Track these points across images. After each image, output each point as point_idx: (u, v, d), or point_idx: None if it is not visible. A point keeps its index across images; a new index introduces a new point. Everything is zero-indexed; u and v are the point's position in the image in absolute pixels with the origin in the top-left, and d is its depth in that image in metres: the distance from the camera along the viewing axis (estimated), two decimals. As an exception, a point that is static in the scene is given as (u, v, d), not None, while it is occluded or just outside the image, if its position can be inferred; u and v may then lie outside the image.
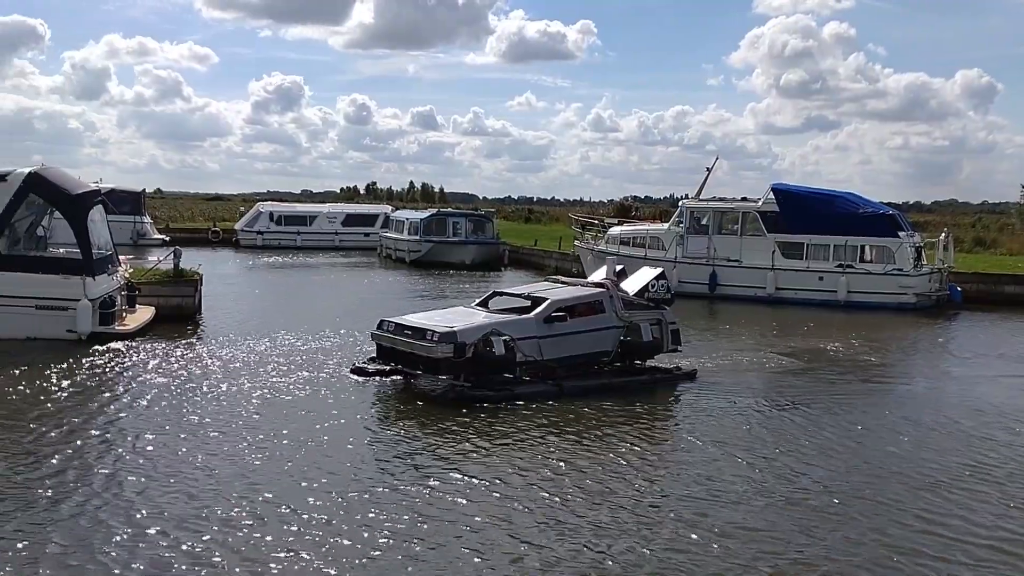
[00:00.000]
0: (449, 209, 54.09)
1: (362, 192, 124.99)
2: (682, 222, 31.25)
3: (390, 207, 57.63)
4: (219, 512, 8.66)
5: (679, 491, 9.88)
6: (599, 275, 16.35)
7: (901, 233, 28.78)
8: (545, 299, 14.82)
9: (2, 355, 15.61)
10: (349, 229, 51.62)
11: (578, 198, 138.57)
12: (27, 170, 18.02)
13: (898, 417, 13.83)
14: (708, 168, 33.42)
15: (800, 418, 13.50)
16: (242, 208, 59.01)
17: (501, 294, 16.41)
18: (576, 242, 35.74)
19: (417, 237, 42.05)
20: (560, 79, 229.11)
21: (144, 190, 50.16)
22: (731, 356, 18.55)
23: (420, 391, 14.12)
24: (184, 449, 10.78)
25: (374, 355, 14.97)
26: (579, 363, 14.90)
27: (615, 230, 33.88)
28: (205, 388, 13.96)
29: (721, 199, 32.56)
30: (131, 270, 21.42)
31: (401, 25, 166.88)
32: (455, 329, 13.62)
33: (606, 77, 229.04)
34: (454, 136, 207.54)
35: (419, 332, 13.76)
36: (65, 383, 14.06)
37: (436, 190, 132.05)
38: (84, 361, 15.65)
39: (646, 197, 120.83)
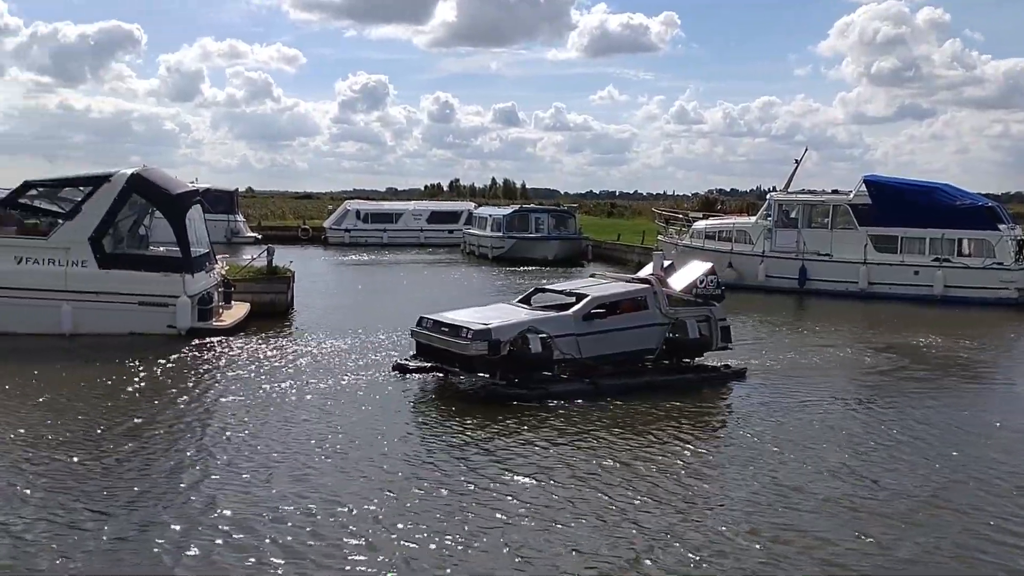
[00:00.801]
0: (531, 205, 54.18)
1: (445, 189, 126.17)
2: (770, 215, 30.68)
3: (473, 204, 58.07)
4: (269, 507, 8.85)
5: (731, 494, 9.55)
6: (646, 271, 16.00)
7: (1001, 226, 27.68)
8: (586, 295, 14.53)
9: (107, 349, 16.35)
10: (433, 226, 52.18)
11: (661, 191, 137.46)
12: (130, 171, 18.71)
13: (987, 419, 13.19)
14: (797, 160, 32.86)
15: (874, 418, 12.98)
16: (330, 207, 60.26)
17: (544, 290, 16.12)
18: (660, 236, 35.42)
19: (500, 233, 42.31)
20: (643, 72, 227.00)
21: (237, 189, 51.73)
22: (813, 352, 18.17)
23: (457, 389, 14.04)
24: (252, 443, 11.08)
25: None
26: (621, 361, 14.51)
27: (700, 224, 33.48)
28: (285, 384, 14.29)
29: (811, 191, 31.85)
30: (227, 267, 22.14)
31: (483, 23, 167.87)
32: (490, 327, 13.40)
33: (690, 69, 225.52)
34: (536, 132, 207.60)
35: (455, 329, 13.60)
36: (163, 377, 14.65)
37: (518, 186, 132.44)
38: (182, 356, 16.23)
39: (732, 190, 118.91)
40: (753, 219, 32.24)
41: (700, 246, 31.74)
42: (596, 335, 14.08)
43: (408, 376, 14.47)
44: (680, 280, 15.43)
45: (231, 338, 18.13)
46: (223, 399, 13.42)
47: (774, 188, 34.15)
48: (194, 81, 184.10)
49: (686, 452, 11.08)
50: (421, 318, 14.55)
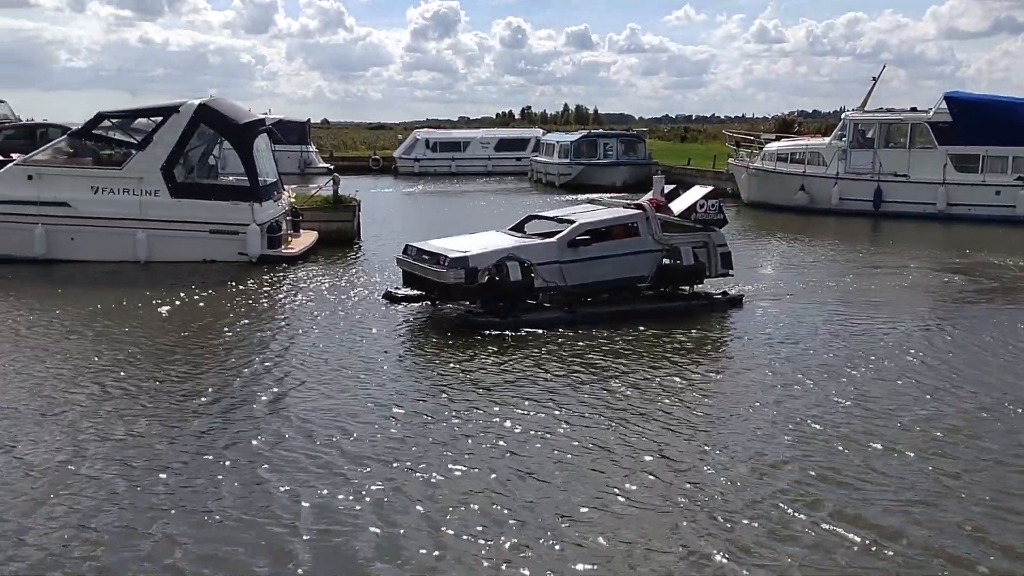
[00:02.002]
0: (600, 130, 53.47)
1: (517, 117, 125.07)
2: (845, 136, 29.75)
3: (541, 131, 57.54)
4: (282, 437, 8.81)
5: (719, 424, 9.12)
6: (647, 196, 15.53)
7: (1092, 143, 26.36)
8: (573, 222, 14.21)
9: (182, 276, 16.93)
10: (501, 154, 51.94)
11: (740, 115, 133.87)
12: (197, 101, 19.06)
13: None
14: (874, 77, 31.59)
15: (915, 345, 12.21)
16: (400, 136, 60.45)
17: (537, 217, 15.73)
18: (730, 160, 34.70)
19: (567, 160, 41.96)
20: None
21: (309, 120, 52.14)
22: (868, 276, 17.86)
23: (443, 317, 13.84)
24: (297, 365, 11.25)
25: None
26: (610, 289, 14.21)
27: (772, 146, 32.64)
28: (330, 311, 14.42)
29: (889, 110, 30.69)
30: (294, 197, 22.57)
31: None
32: (468, 254, 13.19)
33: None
34: (609, 55, 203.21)
35: (434, 257, 13.41)
36: (230, 303, 15.08)
37: (590, 112, 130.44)
38: (251, 282, 16.70)
39: (814, 111, 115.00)
40: (827, 140, 31.30)
41: (771, 169, 31.10)
42: (582, 262, 13.73)
43: (398, 305, 14.46)
44: (679, 205, 14.98)
45: (299, 265, 18.62)
46: (282, 324, 13.80)
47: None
48: (268, 12, 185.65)
49: (663, 380, 10.58)
50: (407, 246, 14.37)
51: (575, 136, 44.81)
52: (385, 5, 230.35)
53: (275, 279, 17.13)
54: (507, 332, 12.66)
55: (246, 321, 13.87)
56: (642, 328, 12.91)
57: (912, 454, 8.27)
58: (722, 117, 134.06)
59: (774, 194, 30.45)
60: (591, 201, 16.83)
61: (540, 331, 12.74)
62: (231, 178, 20.24)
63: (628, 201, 15.93)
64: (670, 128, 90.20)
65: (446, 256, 13.24)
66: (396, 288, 14.85)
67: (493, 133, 57.84)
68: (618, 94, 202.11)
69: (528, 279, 13.28)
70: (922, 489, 7.54)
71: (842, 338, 12.72)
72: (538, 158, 46.47)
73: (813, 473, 7.83)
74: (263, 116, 25.29)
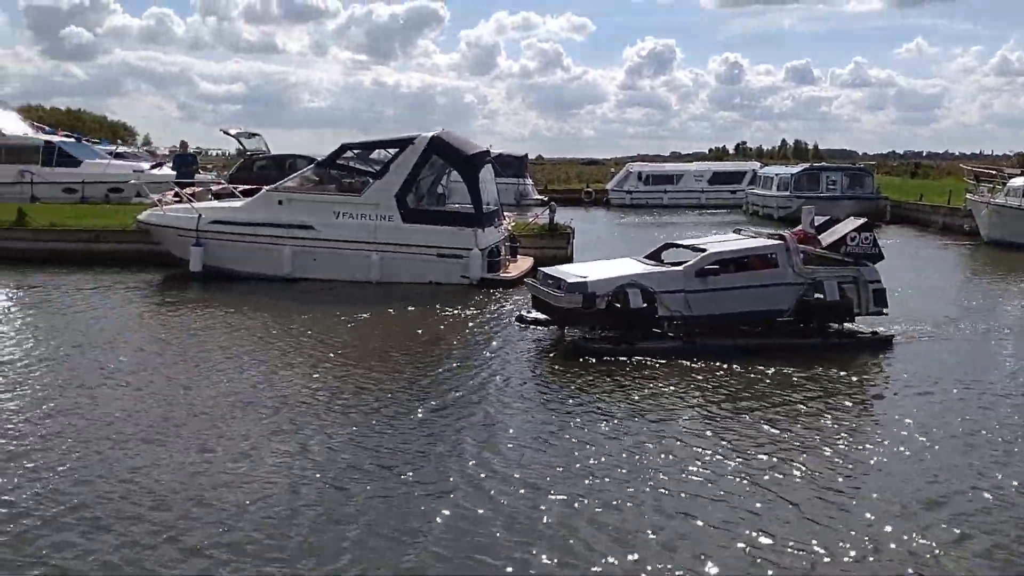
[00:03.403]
0: (823, 164, 51.58)
1: (731, 152, 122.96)
2: (1104, 170, 27.09)
3: (758, 164, 56.29)
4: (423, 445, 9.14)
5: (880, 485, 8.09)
6: (795, 228, 14.62)
7: None
8: (706, 251, 13.63)
9: (411, 296, 17.98)
10: (715, 187, 51.31)
11: (976, 151, 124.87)
12: (430, 134, 20.27)
13: None
14: None
15: None
16: (612, 169, 61.08)
17: (674, 246, 15.14)
18: (968, 195, 32.42)
19: (787, 193, 40.78)
20: (958, 21, 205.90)
21: (526, 154, 53.80)
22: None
23: (568, 341, 13.61)
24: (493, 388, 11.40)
25: None
26: (745, 321, 13.53)
27: (1017, 181, 30.17)
28: (518, 335, 14.55)
29: None
30: (513, 224, 23.42)
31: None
32: (587, 280, 13.08)
33: (1017, 15, 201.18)
34: (832, 89, 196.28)
35: (556, 282, 13.38)
36: (439, 320, 15.83)
37: (810, 147, 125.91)
38: (464, 303, 17.37)
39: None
40: (1083, 174, 28.59)
41: (1016, 205, 28.77)
42: (710, 292, 13.22)
43: (529, 327, 14.50)
44: (828, 238, 14.13)
45: (515, 288, 19.22)
46: (478, 343, 14.12)
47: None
48: (491, 54, 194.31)
49: (789, 420, 9.87)
50: (537, 270, 14.43)
51: (796, 169, 43.60)
52: (602, 44, 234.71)
53: (489, 301, 17.80)
54: (621, 359, 12.46)
55: (446, 338, 14.40)
56: (769, 363, 12.14)
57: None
58: (955, 153, 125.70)
59: (1019, 232, 28.15)
60: (737, 230, 16.31)
61: (659, 360, 12.40)
62: (456, 205, 21.31)
63: (774, 232, 15.29)
64: (898, 163, 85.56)
65: (565, 280, 13.34)
66: (528, 311, 15.03)
67: (707, 166, 57.24)
68: (840, 129, 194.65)
69: (650, 307, 13.05)
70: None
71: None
72: (755, 191, 45.51)
73: (971, 543, 6.99)
74: (488, 148, 26.38)
